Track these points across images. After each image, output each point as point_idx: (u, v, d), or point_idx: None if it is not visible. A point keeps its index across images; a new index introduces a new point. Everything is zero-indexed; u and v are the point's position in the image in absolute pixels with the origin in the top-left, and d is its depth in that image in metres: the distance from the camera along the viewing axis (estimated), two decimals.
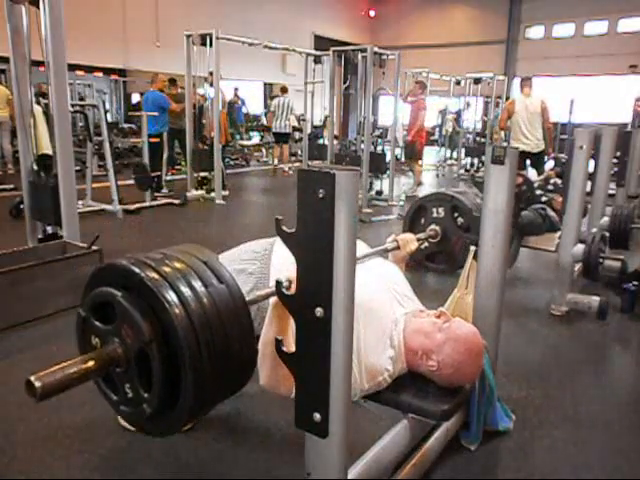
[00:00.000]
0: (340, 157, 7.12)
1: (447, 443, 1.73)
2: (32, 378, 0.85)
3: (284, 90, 9.48)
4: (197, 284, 0.98)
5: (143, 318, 0.95)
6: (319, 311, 1.04)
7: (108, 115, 11.15)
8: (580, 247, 3.02)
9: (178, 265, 1.01)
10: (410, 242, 1.91)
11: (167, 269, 0.99)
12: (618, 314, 3.12)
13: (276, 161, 9.86)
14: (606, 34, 14.87)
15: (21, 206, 4.17)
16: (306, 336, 1.08)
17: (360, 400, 1.47)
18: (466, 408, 1.77)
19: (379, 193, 7.17)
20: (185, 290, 0.96)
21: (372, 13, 18.25)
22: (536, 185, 4.11)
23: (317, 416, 1.10)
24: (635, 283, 3.13)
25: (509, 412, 1.97)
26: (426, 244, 2.24)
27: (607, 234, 3.33)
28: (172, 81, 7.90)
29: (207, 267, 1.03)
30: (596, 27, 15.00)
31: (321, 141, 10.54)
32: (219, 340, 0.97)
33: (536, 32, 16.20)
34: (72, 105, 5.36)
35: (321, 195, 0.99)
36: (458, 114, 12.09)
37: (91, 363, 0.96)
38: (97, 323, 1.03)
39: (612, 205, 3.97)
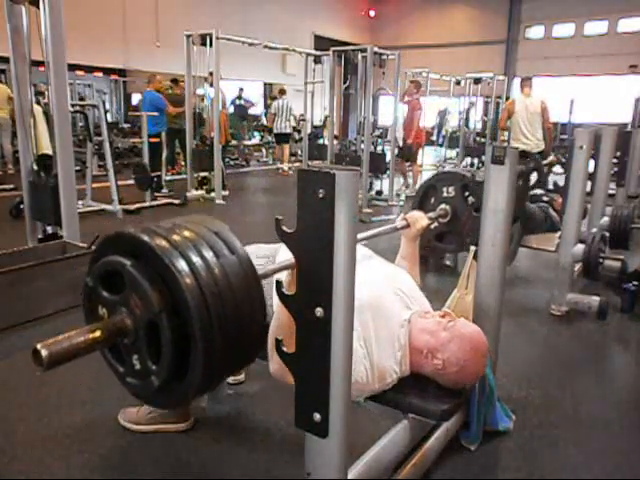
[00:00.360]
0: (340, 157, 7.12)
1: (447, 443, 1.73)
2: (38, 346, 0.83)
3: (282, 92, 9.71)
4: (208, 254, 0.96)
5: (152, 288, 0.92)
6: (319, 311, 1.04)
7: (108, 115, 11.16)
8: (580, 247, 3.02)
9: (188, 234, 0.98)
10: (419, 219, 1.87)
11: (177, 238, 0.96)
12: (618, 314, 3.12)
13: (279, 163, 10.12)
14: (606, 34, 14.87)
15: (21, 206, 4.17)
16: (306, 336, 1.08)
17: (360, 400, 1.48)
18: (466, 408, 1.77)
19: (379, 193, 7.17)
20: (196, 259, 0.93)
21: (372, 13, 18.24)
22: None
23: (317, 416, 1.10)
24: (635, 283, 3.13)
25: (509, 412, 1.97)
26: (436, 224, 2.16)
27: (607, 234, 3.33)
28: (174, 81, 7.92)
29: (218, 238, 1.00)
30: (596, 27, 15.00)
31: (321, 141, 10.56)
32: (230, 312, 0.95)
33: (536, 32, 16.20)
34: (72, 105, 5.35)
35: (321, 195, 0.99)
36: (466, 113, 12.09)
37: (98, 333, 0.93)
38: (105, 293, 1.00)
39: (612, 205, 3.98)
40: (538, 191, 3.98)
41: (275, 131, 9.60)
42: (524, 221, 3.53)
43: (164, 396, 1.01)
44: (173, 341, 0.92)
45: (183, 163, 8.01)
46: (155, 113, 6.69)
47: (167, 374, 0.95)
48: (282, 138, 9.64)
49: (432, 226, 2.06)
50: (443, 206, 2.18)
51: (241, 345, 1.00)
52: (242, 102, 11.18)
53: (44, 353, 0.83)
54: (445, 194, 2.21)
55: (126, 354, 1.00)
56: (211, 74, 6.53)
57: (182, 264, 0.92)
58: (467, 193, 2.21)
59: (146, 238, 0.94)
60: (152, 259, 0.93)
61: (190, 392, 0.98)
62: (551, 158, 4.72)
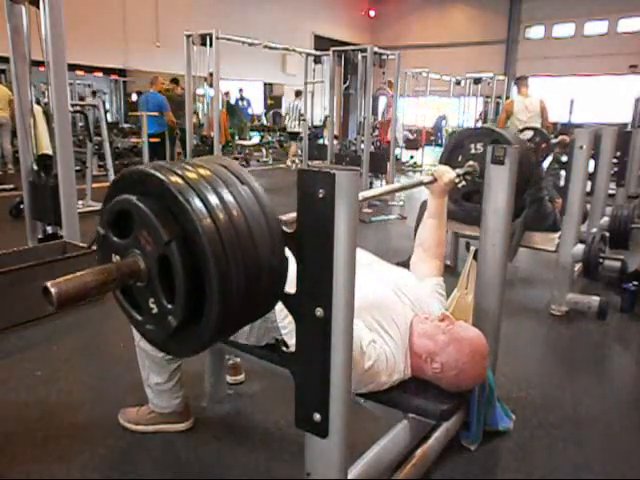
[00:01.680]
0: (340, 157, 7.12)
1: (447, 443, 1.73)
2: (48, 284, 0.82)
3: (298, 94, 10.43)
4: (217, 182, 0.92)
5: (159, 218, 0.89)
6: (319, 311, 1.04)
7: (108, 115, 11.17)
8: (580, 247, 3.02)
9: (197, 164, 0.95)
10: (446, 172, 1.83)
11: (184, 166, 0.94)
12: (618, 314, 3.12)
13: (288, 162, 10.77)
14: (606, 34, 14.88)
15: (21, 206, 4.17)
16: (306, 336, 1.08)
17: (360, 400, 1.48)
18: (466, 408, 1.77)
19: None
20: (204, 187, 0.90)
21: (372, 13, 18.24)
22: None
23: (317, 416, 1.10)
24: (635, 283, 3.13)
25: (509, 412, 1.97)
26: (463, 182, 2.03)
27: (607, 234, 3.32)
28: (175, 81, 7.95)
29: (228, 170, 0.97)
30: (596, 27, 15.00)
31: (321, 141, 10.58)
32: (245, 242, 0.90)
33: (536, 32, 16.21)
34: (72, 105, 5.35)
35: (321, 195, 0.99)
36: (485, 114, 12.10)
37: (108, 274, 0.90)
38: (115, 239, 0.97)
39: (612, 205, 3.97)
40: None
41: (288, 130, 10.83)
42: (537, 206, 3.41)
43: (183, 340, 0.98)
44: (185, 272, 0.88)
45: None
46: (155, 113, 6.70)
47: (184, 311, 0.91)
48: (293, 136, 10.65)
49: (460, 185, 1.94)
50: (471, 162, 2.04)
51: (260, 280, 0.95)
52: (244, 102, 11.42)
53: (53, 291, 0.81)
54: (473, 151, 2.09)
55: (142, 300, 0.98)
56: (211, 75, 6.53)
57: (190, 192, 0.88)
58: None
59: (151, 170, 0.92)
60: (157, 189, 0.90)
61: (208, 334, 0.94)
62: (562, 137, 4.66)
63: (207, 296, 0.90)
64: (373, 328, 1.47)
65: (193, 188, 0.89)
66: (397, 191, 1.63)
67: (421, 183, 1.82)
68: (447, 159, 2.18)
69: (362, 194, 1.34)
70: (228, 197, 0.92)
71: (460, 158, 2.14)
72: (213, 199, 0.90)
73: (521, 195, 2.57)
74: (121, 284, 0.94)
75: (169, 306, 0.92)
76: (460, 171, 1.94)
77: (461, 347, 1.48)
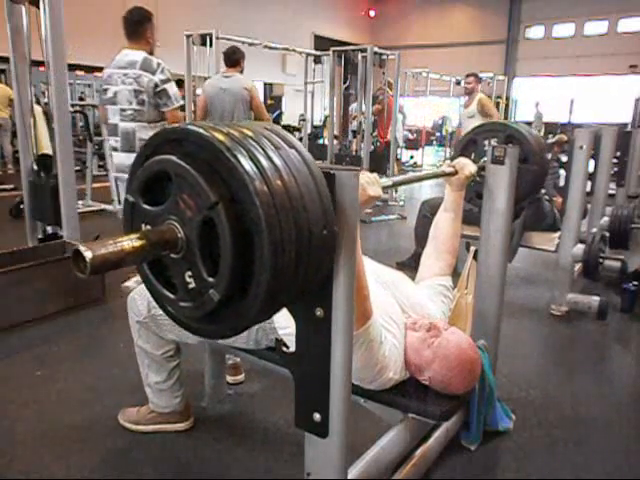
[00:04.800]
0: (340, 157, 7.12)
1: (447, 443, 1.73)
2: (81, 247, 0.73)
3: None
4: (266, 143, 0.84)
5: (205, 178, 0.79)
6: (319, 311, 1.04)
7: None
8: (580, 247, 3.02)
9: (244, 129, 0.87)
10: (467, 165, 1.77)
11: (228, 128, 0.85)
12: (618, 314, 3.12)
13: None
14: (606, 34, 14.89)
15: (21, 206, 4.17)
16: (306, 336, 1.08)
17: (360, 400, 1.48)
18: (466, 408, 1.77)
19: None
20: (256, 153, 0.82)
21: (372, 13, 18.25)
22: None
23: (317, 416, 1.10)
24: (635, 283, 3.13)
25: (509, 412, 1.97)
26: (477, 179, 1.93)
27: (607, 234, 3.32)
28: (178, 83, 7.94)
29: (272, 132, 0.90)
30: (596, 27, 15.01)
31: (321, 141, 10.56)
32: (297, 208, 0.82)
33: (536, 32, 16.22)
34: (72, 105, 5.36)
35: None
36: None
37: (146, 239, 0.80)
38: (147, 206, 0.89)
39: (612, 205, 3.98)
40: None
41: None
42: (535, 206, 3.38)
43: (221, 318, 0.89)
44: (233, 238, 0.79)
45: None
46: None
47: (228, 285, 0.82)
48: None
49: (472, 182, 1.86)
50: (486, 159, 1.92)
51: (310, 253, 0.87)
52: None
53: (87, 255, 0.72)
54: (487, 147, 1.98)
55: (177, 274, 0.89)
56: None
57: (238, 151, 0.80)
58: (512, 145, 1.95)
59: (194, 127, 0.84)
60: (202, 148, 0.82)
61: (253, 310, 0.85)
62: (559, 136, 4.60)
63: (256, 268, 0.81)
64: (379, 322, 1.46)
65: (243, 147, 0.81)
66: (421, 180, 1.59)
67: (443, 174, 1.78)
68: (460, 155, 2.09)
69: (390, 180, 1.38)
70: (278, 160, 0.84)
71: (473, 155, 2.07)
72: (264, 160, 0.82)
73: (538, 191, 2.50)
74: (157, 253, 0.85)
75: (210, 279, 0.83)
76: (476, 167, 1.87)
77: (446, 363, 1.45)
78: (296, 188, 0.83)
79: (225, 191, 0.80)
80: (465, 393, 1.57)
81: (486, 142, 2.02)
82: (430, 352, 1.46)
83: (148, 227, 0.88)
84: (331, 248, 0.93)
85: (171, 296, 0.91)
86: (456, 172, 1.76)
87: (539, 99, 14.07)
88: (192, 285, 0.87)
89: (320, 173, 0.90)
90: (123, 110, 3.01)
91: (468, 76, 5.97)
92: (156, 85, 2.98)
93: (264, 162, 0.81)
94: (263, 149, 0.83)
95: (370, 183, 1.23)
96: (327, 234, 0.89)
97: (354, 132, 7.73)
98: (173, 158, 0.83)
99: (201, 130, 0.83)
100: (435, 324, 1.52)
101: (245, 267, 0.82)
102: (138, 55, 3.02)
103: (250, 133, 0.86)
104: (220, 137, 0.81)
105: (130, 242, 0.78)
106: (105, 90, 3.09)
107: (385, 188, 1.29)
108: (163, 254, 0.87)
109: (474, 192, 2.04)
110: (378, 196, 1.24)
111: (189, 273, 0.87)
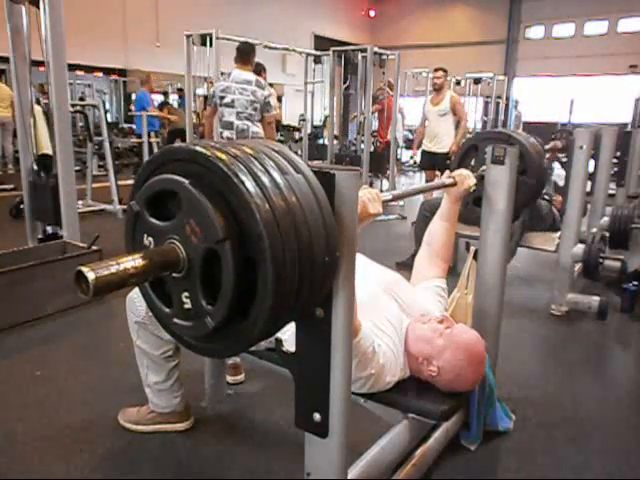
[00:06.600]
0: (340, 157, 7.12)
1: (447, 443, 1.73)
2: (84, 269, 0.71)
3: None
4: (275, 172, 0.83)
5: (215, 210, 0.79)
6: (319, 311, 1.04)
7: (108, 115, 11.17)
8: (580, 247, 3.02)
9: (250, 151, 0.85)
10: (467, 177, 1.77)
11: (239, 153, 0.83)
12: (618, 314, 3.12)
13: None
14: (606, 34, 14.86)
15: (21, 206, 4.17)
16: (306, 336, 1.08)
17: (360, 400, 1.48)
18: (466, 408, 1.77)
19: None
20: (264, 177, 0.81)
21: (372, 13, 18.22)
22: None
23: (317, 416, 1.10)
24: (635, 283, 3.13)
25: (509, 412, 1.97)
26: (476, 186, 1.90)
27: (607, 234, 3.32)
28: (180, 90, 7.99)
29: (280, 155, 0.89)
30: (596, 27, 14.99)
31: (321, 141, 10.56)
32: (302, 236, 0.82)
33: (536, 32, 16.20)
34: (72, 105, 5.36)
35: None
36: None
37: (146, 262, 0.79)
38: (152, 220, 0.88)
39: (612, 205, 3.97)
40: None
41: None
42: (530, 209, 3.30)
43: (218, 339, 0.89)
44: (236, 275, 0.79)
45: None
46: (155, 113, 6.71)
47: (225, 314, 0.82)
48: (289, 134, 11.07)
49: (471, 189, 1.83)
50: (485, 167, 1.87)
51: (313, 277, 0.87)
52: None
53: (90, 277, 0.71)
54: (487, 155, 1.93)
55: (174, 292, 0.88)
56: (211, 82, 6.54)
57: (250, 182, 0.79)
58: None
59: (204, 150, 0.83)
60: (214, 176, 0.81)
61: (254, 334, 0.85)
62: (555, 142, 4.51)
63: (258, 294, 0.82)
64: (370, 330, 1.47)
65: (250, 173, 0.81)
66: (420, 192, 1.56)
67: (443, 185, 1.78)
68: (460, 161, 2.12)
69: (390, 194, 1.37)
70: (285, 188, 0.83)
71: (473, 161, 2.06)
72: (272, 188, 0.81)
73: (536, 198, 2.49)
74: (158, 273, 0.86)
75: (208, 307, 0.84)
76: (474, 176, 1.86)
77: (459, 352, 1.47)
78: (302, 216, 0.83)
79: (235, 226, 0.80)
80: (465, 392, 1.58)
81: (487, 150, 1.94)
82: (443, 340, 1.49)
83: (150, 239, 0.88)
84: (333, 272, 0.95)
85: (165, 309, 0.91)
86: (455, 183, 1.77)
87: (520, 99, 14.15)
88: (188, 306, 0.87)
89: (325, 198, 0.90)
90: (240, 112, 4.07)
91: (437, 70, 5.50)
92: (265, 97, 4.10)
93: (272, 192, 0.80)
94: (269, 173, 0.83)
95: (371, 199, 1.22)
96: (329, 260, 0.89)
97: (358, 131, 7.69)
98: (185, 183, 0.82)
99: (215, 158, 0.81)
100: (447, 317, 1.56)
101: (246, 292, 0.82)
102: (250, 76, 4.13)
103: (259, 155, 0.85)
104: (225, 157, 0.81)
105: (133, 262, 0.78)
106: (222, 97, 4.09)
107: (385, 202, 1.29)
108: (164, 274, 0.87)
109: (472, 199, 2.01)
110: (378, 214, 1.24)
111: (186, 294, 0.87)
